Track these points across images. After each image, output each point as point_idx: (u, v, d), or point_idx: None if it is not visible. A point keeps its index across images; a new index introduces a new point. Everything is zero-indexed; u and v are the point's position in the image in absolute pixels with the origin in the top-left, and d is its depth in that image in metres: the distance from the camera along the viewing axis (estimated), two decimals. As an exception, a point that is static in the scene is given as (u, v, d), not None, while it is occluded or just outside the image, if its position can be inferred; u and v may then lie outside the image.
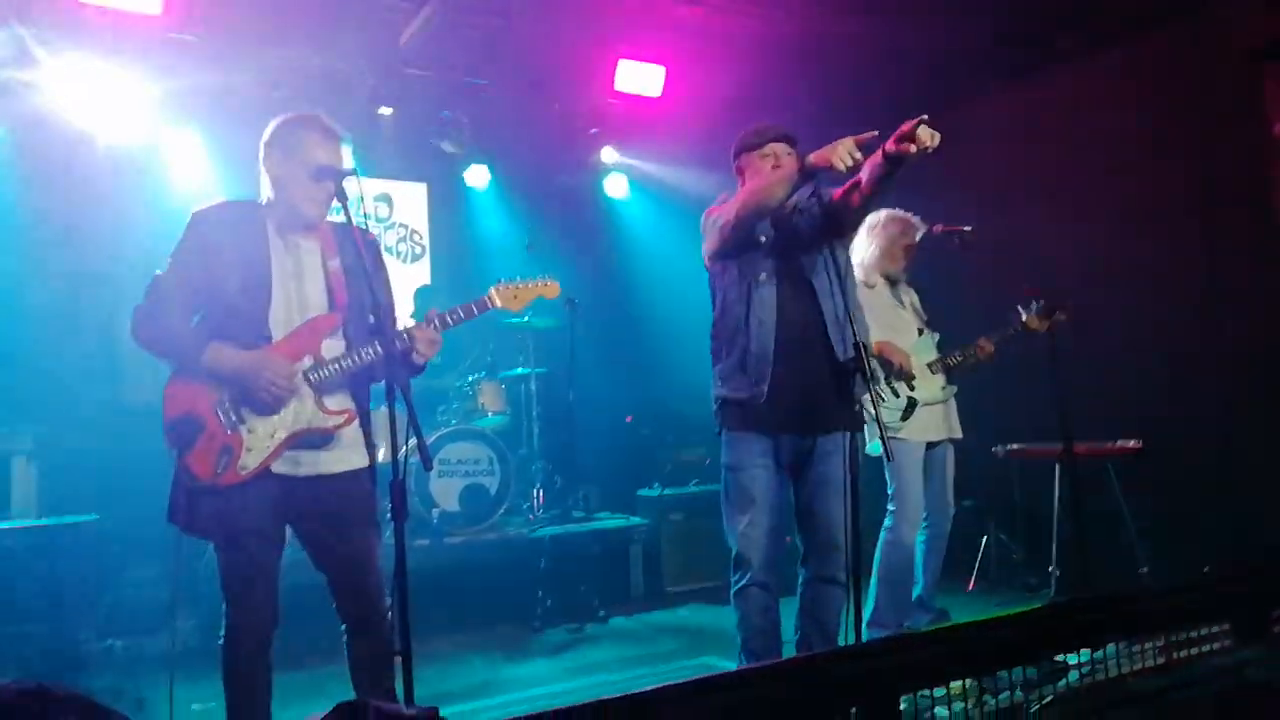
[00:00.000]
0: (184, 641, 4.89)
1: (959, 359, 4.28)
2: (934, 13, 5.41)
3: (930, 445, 4.25)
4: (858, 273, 4.14)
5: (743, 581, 3.14)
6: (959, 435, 4.35)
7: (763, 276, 3.16)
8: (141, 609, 5.19)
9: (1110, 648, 2.38)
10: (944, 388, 4.29)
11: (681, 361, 3.37)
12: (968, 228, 4.16)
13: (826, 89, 6.29)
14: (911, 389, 4.16)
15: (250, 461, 2.59)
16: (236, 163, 6.27)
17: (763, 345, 3.11)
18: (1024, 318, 4.23)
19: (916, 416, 4.13)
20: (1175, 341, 4.99)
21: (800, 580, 3.28)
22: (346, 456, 2.72)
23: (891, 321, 4.27)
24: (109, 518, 4.66)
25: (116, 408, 5.99)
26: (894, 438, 4.06)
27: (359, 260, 2.67)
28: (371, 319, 2.59)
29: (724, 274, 3.24)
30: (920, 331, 4.34)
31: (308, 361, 2.66)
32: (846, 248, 3.32)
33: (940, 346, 4.37)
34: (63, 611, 4.34)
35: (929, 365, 4.24)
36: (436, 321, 2.72)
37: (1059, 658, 2.43)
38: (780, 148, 3.23)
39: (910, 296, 4.49)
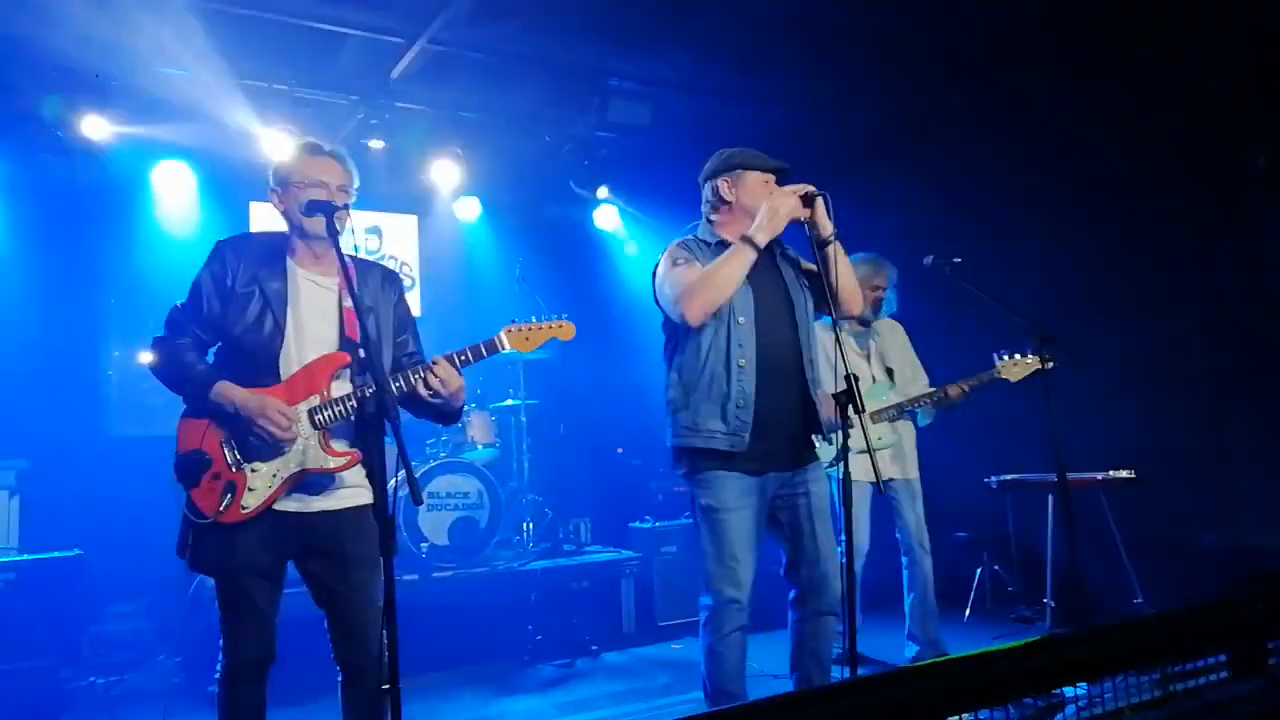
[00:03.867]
0: (168, 679, 4.83)
1: (926, 401, 4.37)
2: (920, 43, 5.48)
3: (885, 485, 4.29)
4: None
5: (731, 628, 3.04)
6: (910, 476, 4.47)
7: (742, 320, 3.10)
8: (124, 644, 5.12)
9: (1107, 681, 2.35)
10: (881, 438, 4.32)
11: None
12: (956, 259, 4.17)
13: (818, 117, 6.36)
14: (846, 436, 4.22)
15: (251, 502, 2.56)
16: (225, 195, 6.29)
17: (744, 390, 3.05)
18: (998, 366, 4.25)
19: (855, 459, 4.17)
20: (1168, 371, 5.01)
21: (796, 616, 3.19)
22: (352, 494, 2.69)
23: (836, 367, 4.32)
24: (92, 552, 4.60)
25: (101, 442, 5.95)
26: (839, 478, 4.10)
27: (375, 300, 2.74)
28: (361, 354, 2.58)
29: (679, 322, 3.12)
30: (874, 379, 4.42)
31: (314, 401, 2.62)
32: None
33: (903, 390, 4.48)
34: (45, 648, 4.28)
35: (872, 415, 4.26)
36: (447, 362, 2.67)
37: (1055, 691, 2.41)
38: (772, 179, 3.20)
39: (876, 342, 4.58)
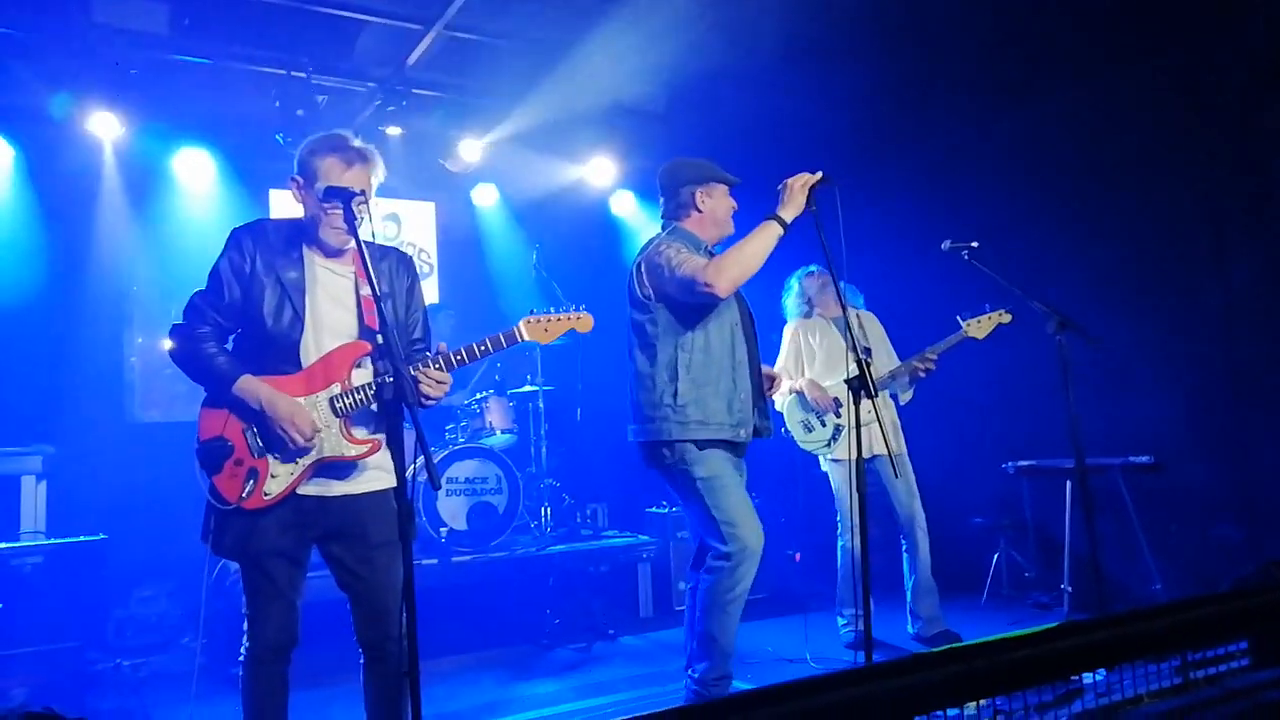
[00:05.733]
0: (192, 661, 4.90)
1: (897, 375, 4.56)
2: (938, 31, 5.43)
3: (870, 461, 4.54)
4: (807, 308, 4.86)
5: (747, 582, 3.28)
6: (898, 450, 4.67)
7: (738, 319, 3.39)
8: (149, 627, 5.20)
9: (1125, 667, 2.34)
10: (869, 411, 4.35)
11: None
12: (974, 243, 4.16)
13: (828, 108, 6.31)
14: (838, 417, 4.62)
15: (273, 488, 2.59)
16: (245, 182, 6.33)
17: (745, 385, 3.34)
18: (963, 327, 4.39)
19: (845, 439, 4.56)
20: (1188, 357, 4.97)
21: (694, 583, 3.47)
22: (374, 477, 2.71)
23: (831, 355, 4.76)
24: (117, 537, 4.67)
25: (125, 428, 6.02)
26: (832, 459, 4.68)
27: (391, 284, 2.75)
28: (380, 339, 2.59)
29: (694, 312, 3.32)
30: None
31: (335, 389, 2.63)
32: None
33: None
34: (71, 631, 4.34)
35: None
36: (463, 355, 2.66)
37: (1074, 678, 2.40)
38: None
39: (857, 328, 4.71)
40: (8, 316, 5.50)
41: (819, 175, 3.11)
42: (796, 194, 3.11)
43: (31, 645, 4.24)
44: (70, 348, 5.68)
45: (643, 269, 3.40)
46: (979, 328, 4.38)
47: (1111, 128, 5.33)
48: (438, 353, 2.65)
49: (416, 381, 2.59)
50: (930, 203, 6.25)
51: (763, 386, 3.51)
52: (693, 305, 3.30)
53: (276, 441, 2.59)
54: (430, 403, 2.64)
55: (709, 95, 6.19)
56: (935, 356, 4.47)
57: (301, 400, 2.62)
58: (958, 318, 4.40)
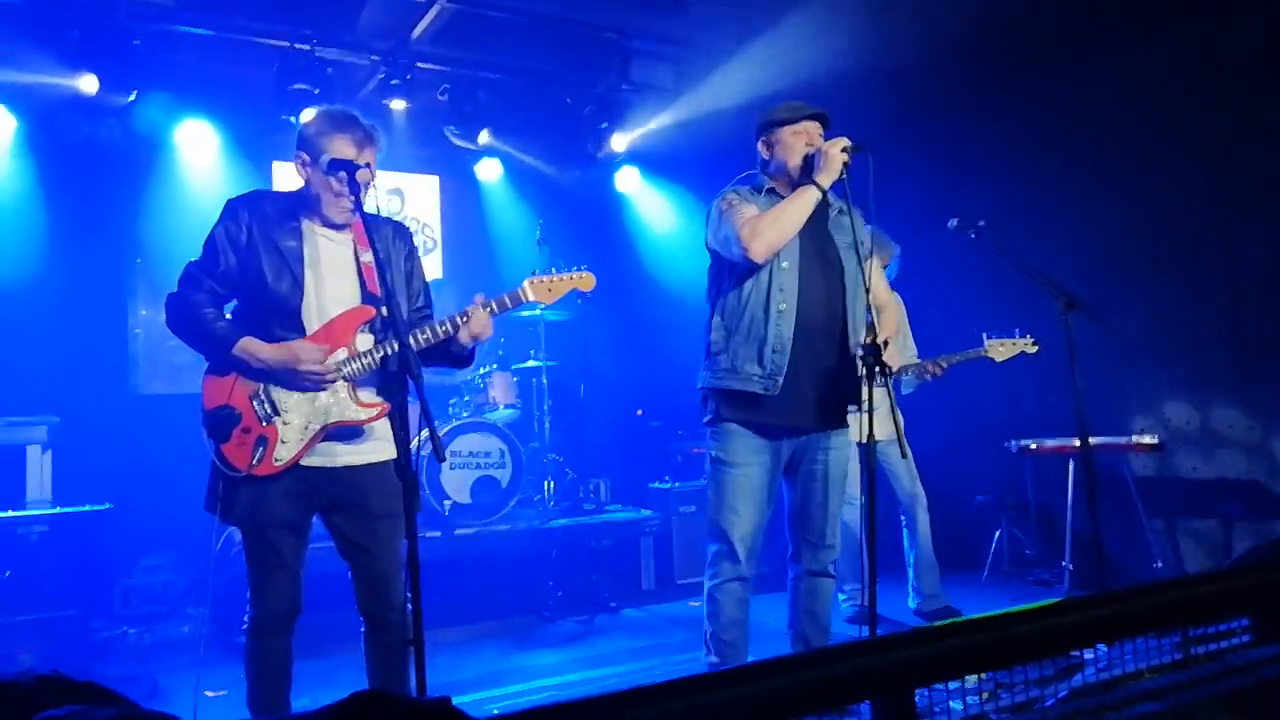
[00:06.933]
0: (196, 630, 4.95)
1: (907, 373, 4.47)
2: (947, 11, 5.38)
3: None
4: None
5: (726, 577, 3.14)
6: (893, 436, 4.54)
7: (785, 264, 3.09)
8: (154, 596, 5.24)
9: (1126, 643, 2.35)
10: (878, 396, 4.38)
11: (692, 355, 3.33)
12: (981, 222, 4.14)
13: (841, 81, 6.27)
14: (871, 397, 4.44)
15: (284, 454, 2.60)
16: (249, 154, 6.31)
17: (781, 335, 3.04)
18: (985, 346, 4.29)
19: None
20: (1194, 336, 4.96)
21: (791, 575, 3.28)
22: (377, 448, 2.73)
23: None
24: (123, 506, 4.69)
25: (130, 398, 6.04)
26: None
27: (390, 253, 2.75)
28: (384, 312, 2.60)
29: (738, 260, 3.09)
30: None
31: (341, 355, 2.64)
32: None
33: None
34: (77, 599, 4.38)
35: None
36: (468, 315, 2.69)
37: (1074, 653, 2.42)
38: (813, 126, 3.16)
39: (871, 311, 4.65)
40: (13, 288, 5.50)
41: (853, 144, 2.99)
42: (834, 159, 2.96)
43: (37, 612, 4.27)
44: (74, 319, 5.68)
45: (708, 216, 3.24)
46: (1000, 350, 4.25)
47: (1119, 105, 5.29)
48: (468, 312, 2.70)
49: (467, 322, 2.66)
50: (938, 181, 6.22)
51: (844, 349, 3.13)
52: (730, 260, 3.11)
53: (299, 387, 2.59)
54: (469, 345, 2.72)
55: (716, 71, 6.15)
56: (948, 365, 4.39)
57: None
58: (983, 335, 4.29)
